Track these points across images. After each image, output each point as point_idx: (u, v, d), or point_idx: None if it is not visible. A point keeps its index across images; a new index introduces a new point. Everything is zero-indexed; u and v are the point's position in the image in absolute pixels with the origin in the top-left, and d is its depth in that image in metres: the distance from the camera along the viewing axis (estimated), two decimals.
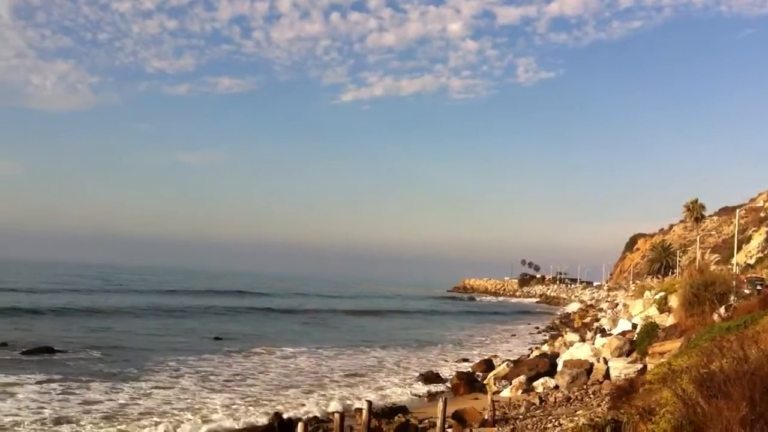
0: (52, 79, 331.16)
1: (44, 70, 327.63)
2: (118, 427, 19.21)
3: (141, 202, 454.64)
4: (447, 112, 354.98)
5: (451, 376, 30.07)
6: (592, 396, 22.58)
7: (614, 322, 41.54)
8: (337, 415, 17.35)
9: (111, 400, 22.67)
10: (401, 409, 22.31)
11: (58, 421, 19.42)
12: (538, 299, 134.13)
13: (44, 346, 34.12)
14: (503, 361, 32.56)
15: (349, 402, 24.22)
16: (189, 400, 23.32)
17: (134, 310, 58.83)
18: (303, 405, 23.65)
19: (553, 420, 18.78)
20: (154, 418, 20.30)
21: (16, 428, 18.41)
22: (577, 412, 19.20)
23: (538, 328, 63.54)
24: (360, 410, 19.97)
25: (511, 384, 27.13)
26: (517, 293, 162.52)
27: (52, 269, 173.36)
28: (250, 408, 22.55)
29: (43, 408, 20.91)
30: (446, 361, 37.56)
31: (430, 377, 30.27)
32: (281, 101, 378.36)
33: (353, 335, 50.09)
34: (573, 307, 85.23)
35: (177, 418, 20.60)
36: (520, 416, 20.33)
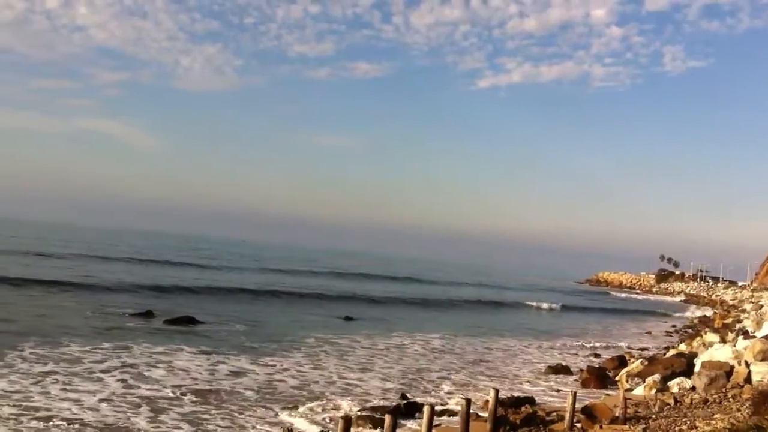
0: (200, 61, 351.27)
1: (193, 52, 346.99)
2: (274, 403, 20.19)
3: (281, 181, 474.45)
4: (587, 100, 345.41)
5: (581, 370, 29.55)
6: (731, 400, 21.57)
7: (758, 324, 39.28)
8: (463, 402, 17.53)
9: (256, 373, 23.88)
10: (528, 400, 22.18)
11: (213, 392, 20.66)
12: (683, 298, 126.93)
13: (186, 316, 36.22)
14: (637, 358, 31.61)
15: (476, 389, 24.39)
16: (326, 377, 24.32)
17: (266, 288, 60.97)
18: (431, 388, 24.06)
19: (688, 422, 18.15)
20: (302, 394, 21.37)
21: (176, 400, 19.58)
22: (715, 416, 18.46)
23: (675, 326, 60.95)
24: (487, 398, 20.10)
25: (644, 382, 26.32)
26: (654, 289, 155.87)
27: (189, 243, 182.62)
28: (380, 389, 23.21)
29: (196, 378, 22.29)
30: (576, 354, 36.89)
31: (559, 369, 29.88)
32: (417, 87, 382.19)
33: (483, 323, 49.99)
34: (706, 312, 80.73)
35: (319, 394, 21.54)
36: (653, 416, 19.75)
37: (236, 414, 18.30)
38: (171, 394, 19.70)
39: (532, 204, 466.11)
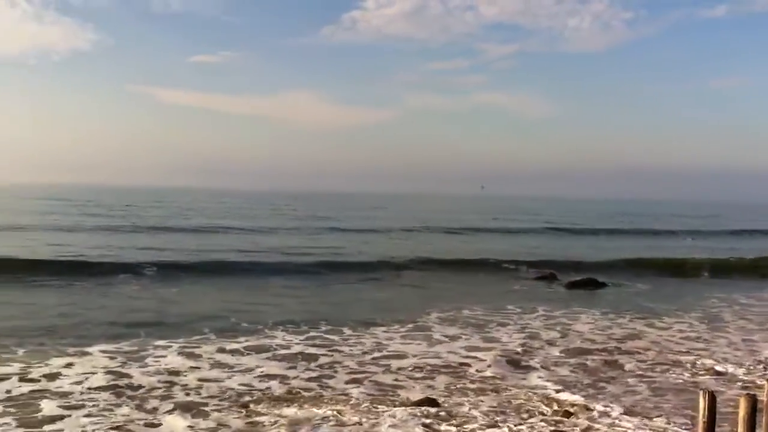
0: (588, 20, 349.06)
1: (581, 12, 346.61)
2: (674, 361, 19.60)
3: (677, 133, 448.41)
4: None
5: None
6: None
7: None
8: None
9: (648, 335, 23.34)
10: None
11: (610, 352, 20.78)
12: None
13: (588, 279, 36.19)
14: None
15: None
16: (728, 340, 22.66)
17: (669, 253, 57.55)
18: None
19: None
20: (703, 355, 20.34)
21: (570, 358, 20.19)
22: None
23: None
24: None
25: None
26: None
27: (594, 207, 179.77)
28: None
29: (592, 339, 22.54)
30: None
31: None
32: None
33: None
34: None
35: (720, 358, 20.22)
36: None
37: (628, 377, 17.97)
38: (563, 357, 20.09)
39: None
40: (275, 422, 13.09)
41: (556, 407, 14.57)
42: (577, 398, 15.41)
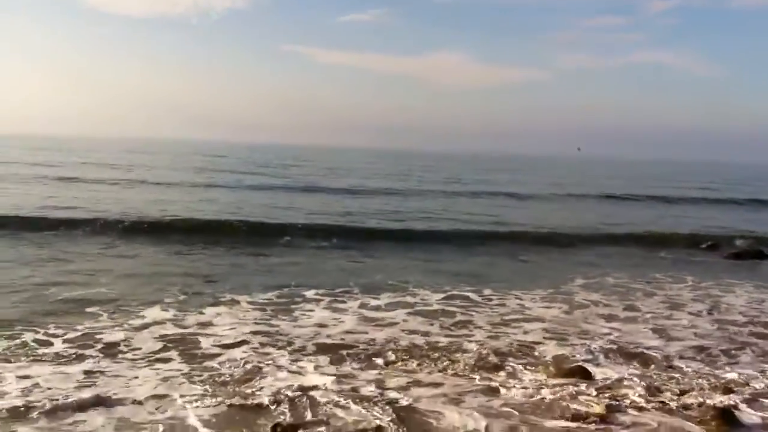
0: None
1: None
2: None
3: None
4: None
5: None
6: None
7: None
8: None
9: None
10: None
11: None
12: None
13: (755, 250, 34.26)
14: None
15: None
16: None
17: None
18: None
19: None
20: None
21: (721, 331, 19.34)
22: None
23: None
24: None
25: None
26: None
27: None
28: None
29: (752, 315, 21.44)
30: None
31: None
32: None
33: None
34: None
35: None
36: None
37: None
38: (711, 329, 19.21)
39: None
40: (414, 379, 13.44)
41: (710, 382, 13.99)
42: (730, 374, 14.74)
